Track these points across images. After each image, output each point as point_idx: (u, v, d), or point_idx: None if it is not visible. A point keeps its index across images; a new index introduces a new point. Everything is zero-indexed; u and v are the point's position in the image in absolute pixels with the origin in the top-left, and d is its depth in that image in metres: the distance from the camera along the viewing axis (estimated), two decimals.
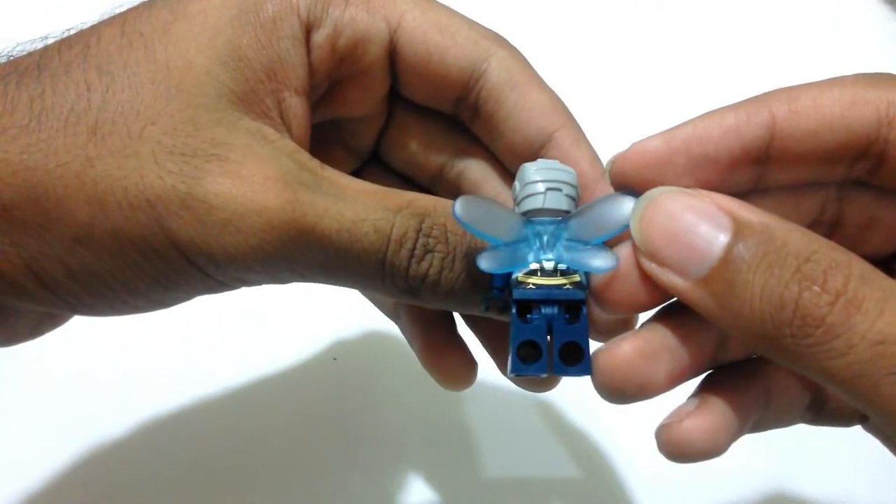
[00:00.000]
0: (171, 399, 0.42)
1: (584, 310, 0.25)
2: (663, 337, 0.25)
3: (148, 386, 0.42)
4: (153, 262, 0.24)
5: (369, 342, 0.44)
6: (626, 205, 0.25)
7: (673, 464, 0.38)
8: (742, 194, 0.24)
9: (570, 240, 0.25)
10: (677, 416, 0.25)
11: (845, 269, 0.21)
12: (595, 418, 0.41)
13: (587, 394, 0.40)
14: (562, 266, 0.25)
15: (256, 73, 0.25)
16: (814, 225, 0.26)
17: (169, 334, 0.44)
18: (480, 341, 0.32)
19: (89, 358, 0.43)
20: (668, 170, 0.24)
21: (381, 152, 0.32)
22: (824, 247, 0.22)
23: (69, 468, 0.40)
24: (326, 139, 0.31)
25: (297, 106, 0.26)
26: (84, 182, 0.23)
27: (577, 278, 0.25)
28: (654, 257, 0.24)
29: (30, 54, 0.25)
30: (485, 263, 0.24)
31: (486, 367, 0.40)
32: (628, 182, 0.25)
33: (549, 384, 0.30)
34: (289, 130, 0.26)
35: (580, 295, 0.25)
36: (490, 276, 0.25)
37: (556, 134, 0.28)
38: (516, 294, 0.24)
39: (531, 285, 0.24)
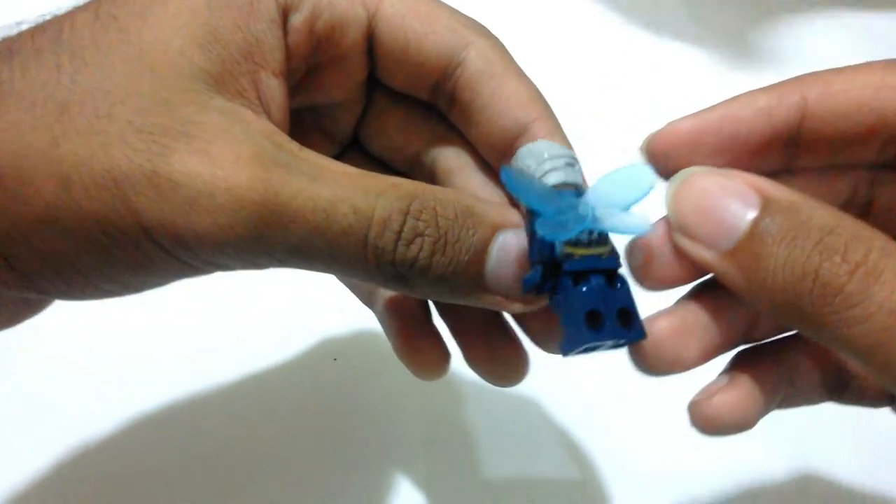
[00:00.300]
0: (171, 398, 0.41)
1: (624, 276, 0.25)
2: (696, 314, 0.26)
3: (146, 385, 0.41)
4: (121, 243, 0.23)
5: (369, 342, 0.44)
6: (647, 172, 0.25)
7: (673, 464, 0.39)
8: (773, 175, 0.25)
9: (598, 210, 0.25)
10: (707, 392, 0.26)
11: (867, 241, 0.22)
12: (595, 418, 0.41)
13: (588, 394, 0.42)
14: (593, 236, 0.25)
15: (232, 54, 0.25)
16: (845, 207, 0.26)
17: (169, 334, 0.43)
18: (452, 334, 0.31)
19: (88, 358, 0.42)
20: (700, 149, 0.25)
21: (360, 138, 0.32)
22: (848, 221, 0.23)
23: (63, 465, 0.39)
24: (305, 125, 0.30)
25: (274, 88, 0.26)
26: (49, 161, 0.23)
27: (611, 246, 0.25)
28: (685, 232, 0.24)
29: (3, 40, 0.25)
30: (541, 230, 0.24)
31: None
32: (661, 161, 0.26)
33: (520, 373, 0.30)
34: (268, 112, 0.26)
35: (619, 262, 0.25)
36: (481, 264, 0.25)
37: (533, 125, 0.28)
38: (569, 266, 0.24)
39: (578, 256, 0.25)
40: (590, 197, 0.25)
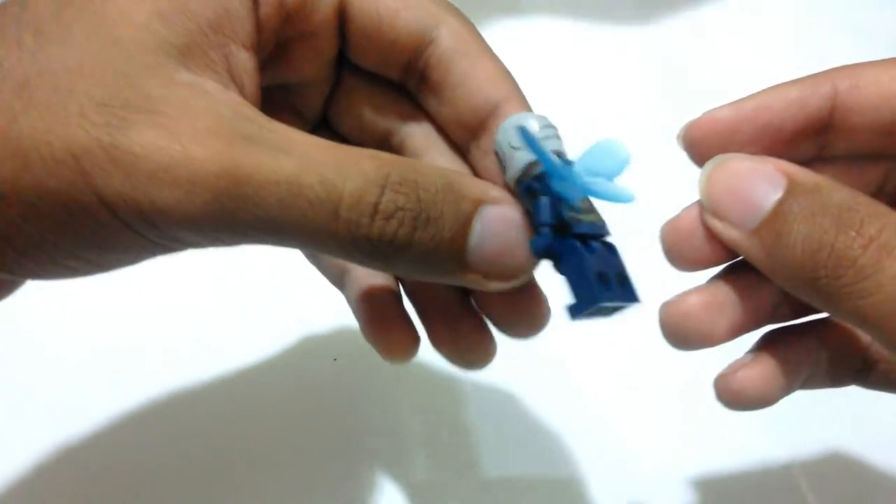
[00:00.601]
0: (169, 397, 0.41)
1: (615, 246, 0.27)
2: (726, 292, 0.27)
3: (145, 383, 0.41)
4: (82, 220, 0.23)
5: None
6: (622, 147, 0.25)
7: (674, 464, 0.40)
8: (805, 163, 0.26)
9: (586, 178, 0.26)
10: (733, 367, 0.27)
11: (882, 218, 0.23)
12: (595, 418, 0.42)
13: (588, 394, 0.42)
14: (586, 204, 0.26)
15: (200, 26, 0.24)
16: (876, 195, 0.27)
17: (168, 333, 0.43)
18: (419, 316, 0.31)
19: (86, 358, 0.42)
20: (735, 137, 0.27)
21: (328, 118, 0.32)
22: (866, 200, 0.24)
23: (57, 460, 0.39)
24: (275, 103, 0.30)
25: (245, 61, 0.25)
26: (8, 138, 0.22)
27: (599, 214, 0.27)
28: (716, 213, 0.26)
29: None
30: (559, 188, 0.25)
31: (487, 366, 0.42)
32: (699, 148, 0.27)
33: (486, 357, 0.30)
34: (239, 86, 0.25)
35: (608, 232, 0.27)
36: (464, 239, 0.25)
37: (503, 103, 0.28)
38: (578, 228, 0.25)
39: (583, 220, 0.26)
40: (577, 167, 0.26)
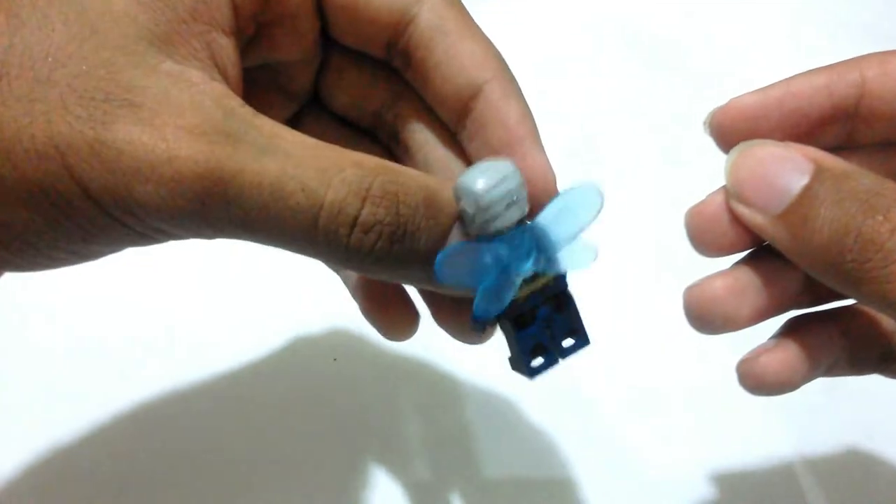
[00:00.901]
0: (168, 397, 0.40)
1: (571, 295, 0.26)
2: (750, 277, 0.27)
3: (144, 382, 0.41)
4: (67, 212, 0.22)
5: (369, 342, 0.43)
6: (596, 193, 0.25)
7: (674, 465, 0.39)
8: (832, 150, 0.26)
9: (542, 243, 0.25)
10: (755, 352, 0.27)
11: None
12: (596, 419, 0.41)
13: (587, 394, 0.42)
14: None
15: (179, 13, 0.24)
16: None
17: (168, 333, 0.43)
18: (421, 294, 0.31)
19: (86, 358, 0.42)
20: (762, 123, 0.27)
21: (320, 96, 0.31)
22: (893, 185, 0.24)
23: (55, 458, 0.38)
24: (262, 84, 0.30)
25: (227, 47, 0.25)
26: None
27: (558, 269, 0.26)
28: (741, 198, 0.26)
29: None
30: (483, 307, 0.24)
31: (487, 366, 0.41)
32: (725, 134, 0.27)
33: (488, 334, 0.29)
34: (224, 74, 0.25)
35: (566, 285, 0.26)
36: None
37: (486, 86, 0.27)
38: (511, 313, 0.25)
39: (522, 299, 0.25)
40: (539, 224, 0.25)
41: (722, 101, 0.28)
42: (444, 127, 0.29)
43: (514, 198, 0.24)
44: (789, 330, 0.28)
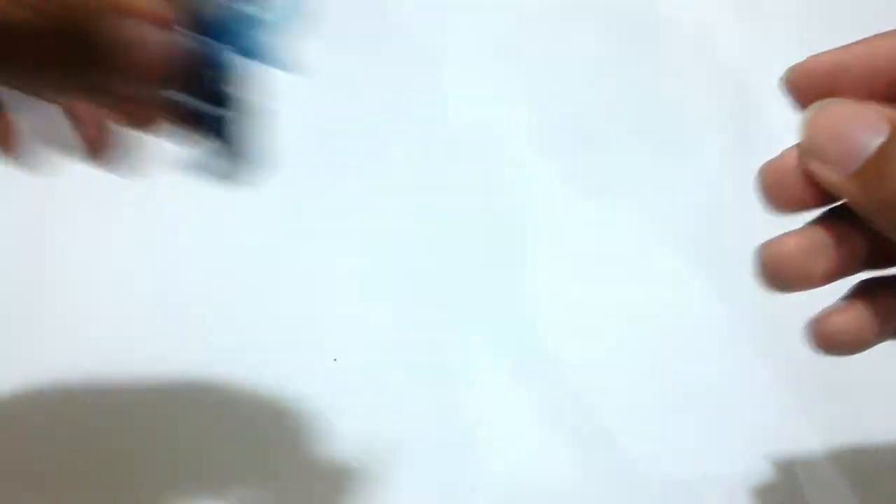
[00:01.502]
0: (168, 396, 0.41)
1: None
2: (822, 236, 0.27)
3: (139, 380, 0.41)
4: None
5: (369, 342, 0.43)
6: None
7: (674, 466, 0.39)
8: None
9: None
10: (826, 312, 0.27)
11: None
12: (596, 419, 0.41)
13: (588, 393, 0.42)
14: None
15: None
16: None
17: (168, 332, 0.43)
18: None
19: (85, 357, 0.42)
20: (838, 83, 0.27)
21: None
22: None
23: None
24: None
25: None
26: None
27: None
28: (816, 156, 0.26)
29: None
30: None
31: (486, 366, 0.42)
32: (801, 92, 0.27)
33: None
34: None
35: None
36: None
37: None
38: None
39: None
40: None
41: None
42: None
43: None
44: (859, 292, 0.28)
